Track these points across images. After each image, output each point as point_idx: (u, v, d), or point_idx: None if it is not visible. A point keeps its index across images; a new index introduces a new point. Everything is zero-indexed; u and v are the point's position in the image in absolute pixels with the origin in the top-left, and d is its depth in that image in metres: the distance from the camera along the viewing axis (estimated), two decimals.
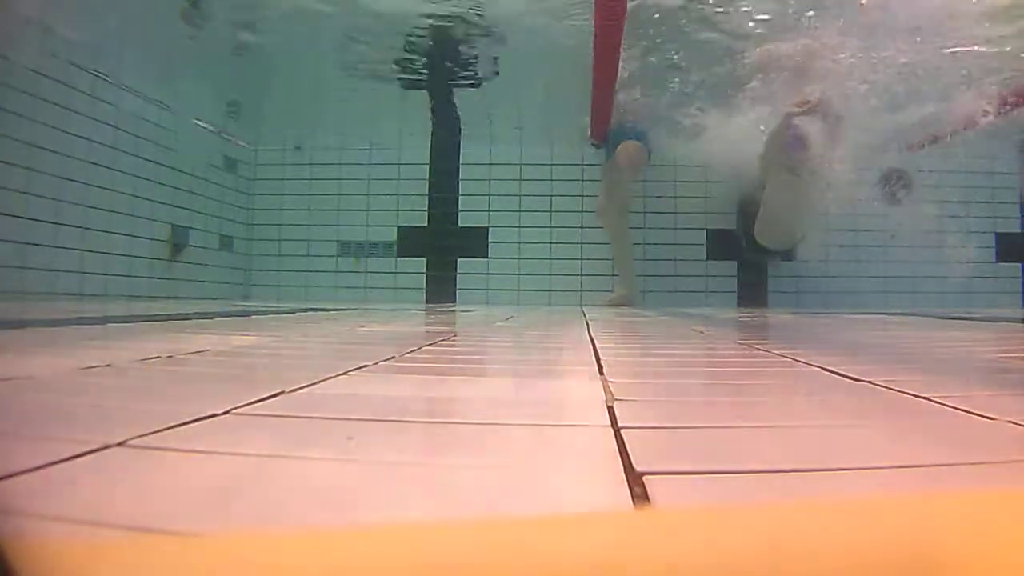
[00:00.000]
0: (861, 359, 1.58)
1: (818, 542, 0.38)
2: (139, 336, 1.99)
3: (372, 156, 7.49)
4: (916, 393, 0.96)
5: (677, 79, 6.40)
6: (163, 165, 5.78)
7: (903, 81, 5.77)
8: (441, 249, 7.43)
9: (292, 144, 7.43)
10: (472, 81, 6.56)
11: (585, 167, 7.30)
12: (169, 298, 5.78)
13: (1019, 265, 7.36)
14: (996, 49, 5.44)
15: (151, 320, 2.76)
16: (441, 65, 6.46)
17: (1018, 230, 7.35)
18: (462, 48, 6.09)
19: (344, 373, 1.14)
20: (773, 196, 6.19)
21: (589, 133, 6.58)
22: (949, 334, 2.73)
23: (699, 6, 5.37)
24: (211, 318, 3.01)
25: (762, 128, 6.34)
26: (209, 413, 0.75)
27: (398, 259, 7.45)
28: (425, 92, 6.89)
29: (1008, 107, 6.08)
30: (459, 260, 7.42)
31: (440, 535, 0.40)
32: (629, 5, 4.28)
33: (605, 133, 6.46)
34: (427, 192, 7.48)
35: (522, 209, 7.36)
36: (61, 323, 2.37)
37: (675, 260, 7.24)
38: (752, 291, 7.25)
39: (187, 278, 6.22)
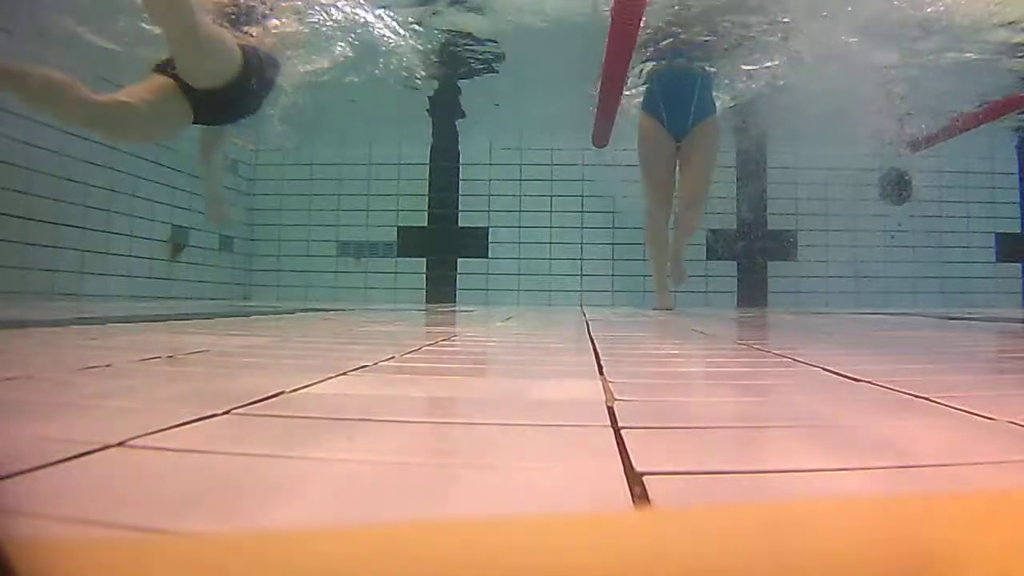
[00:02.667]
0: (860, 359, 1.58)
1: (818, 542, 0.38)
2: (139, 336, 2.00)
3: (372, 156, 7.49)
4: (916, 393, 0.96)
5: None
6: (163, 165, 5.78)
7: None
8: (441, 249, 7.43)
9: (291, 145, 7.44)
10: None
11: (585, 167, 7.31)
12: (169, 298, 5.78)
13: (1019, 265, 7.37)
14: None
15: (151, 320, 2.76)
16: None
17: (1018, 230, 7.36)
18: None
19: (344, 373, 1.14)
20: None
21: (591, 135, 6.55)
22: (949, 334, 2.73)
23: None
24: (211, 318, 3.01)
25: None
26: (209, 413, 0.75)
27: (398, 259, 7.45)
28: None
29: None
30: (459, 260, 7.42)
31: (439, 535, 0.40)
32: None
33: (608, 136, 6.43)
34: (427, 192, 7.48)
35: (522, 209, 7.37)
36: (61, 323, 2.37)
37: None
38: (752, 291, 7.26)
39: (187, 278, 6.23)
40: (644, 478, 0.53)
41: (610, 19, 4.29)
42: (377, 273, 7.43)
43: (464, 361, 1.55)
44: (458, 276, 7.43)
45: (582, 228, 7.31)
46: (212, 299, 6.33)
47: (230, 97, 3.64)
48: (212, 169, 4.53)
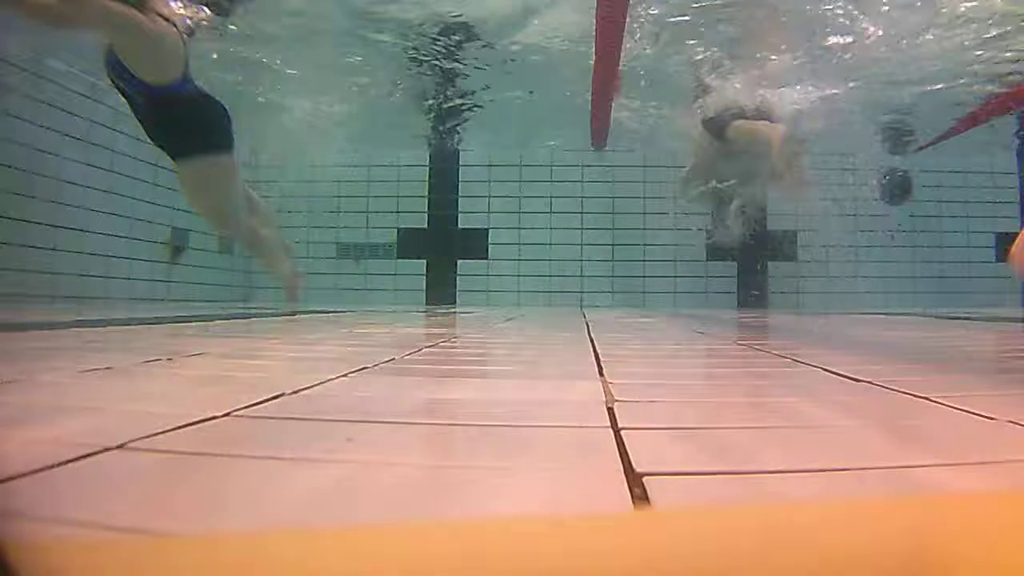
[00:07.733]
0: (860, 359, 1.58)
1: (818, 542, 0.38)
2: (139, 339, 2.00)
3: (372, 157, 7.49)
4: (916, 393, 0.96)
5: None
6: (162, 167, 5.78)
7: None
8: (441, 251, 7.42)
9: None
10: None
11: (585, 168, 7.31)
12: (169, 301, 5.78)
13: None
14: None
15: (151, 323, 2.76)
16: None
17: (1018, 230, 7.34)
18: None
19: (344, 375, 1.14)
20: None
21: (590, 138, 6.52)
22: (949, 333, 2.73)
23: None
24: (211, 321, 3.01)
25: None
26: (209, 415, 0.75)
27: (398, 261, 7.45)
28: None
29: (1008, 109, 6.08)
30: (459, 262, 7.42)
31: (440, 535, 0.40)
32: None
33: (605, 137, 6.40)
34: (427, 194, 7.47)
35: (522, 211, 7.36)
36: (61, 326, 2.37)
37: (675, 261, 7.23)
38: (752, 291, 7.25)
39: (187, 281, 6.22)
40: (644, 479, 0.53)
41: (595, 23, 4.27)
42: (377, 275, 7.42)
43: (463, 363, 1.55)
44: (458, 277, 7.42)
45: (582, 229, 7.31)
46: (212, 301, 6.32)
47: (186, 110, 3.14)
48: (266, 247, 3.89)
